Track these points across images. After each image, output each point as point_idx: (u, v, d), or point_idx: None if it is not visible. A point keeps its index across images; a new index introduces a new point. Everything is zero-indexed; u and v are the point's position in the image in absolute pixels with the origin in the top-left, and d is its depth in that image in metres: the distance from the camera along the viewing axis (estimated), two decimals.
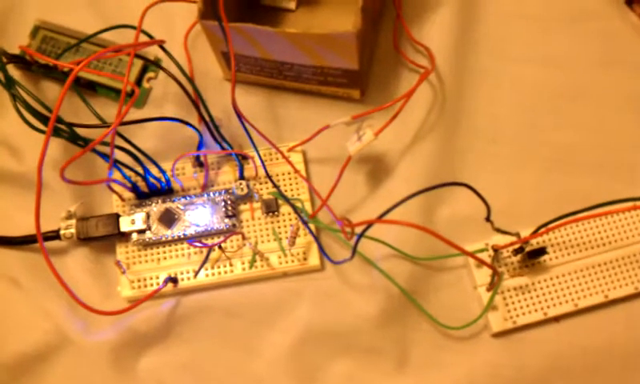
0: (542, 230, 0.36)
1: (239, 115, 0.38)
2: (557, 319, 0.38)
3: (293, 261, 0.39)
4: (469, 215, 0.40)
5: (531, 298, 0.38)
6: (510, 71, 0.44)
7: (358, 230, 0.33)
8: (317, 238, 0.38)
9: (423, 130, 0.42)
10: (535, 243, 0.39)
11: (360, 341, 0.38)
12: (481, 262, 0.34)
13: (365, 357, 0.38)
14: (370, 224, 0.32)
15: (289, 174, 0.41)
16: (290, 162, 0.39)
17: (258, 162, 0.40)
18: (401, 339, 0.38)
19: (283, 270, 0.39)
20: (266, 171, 0.40)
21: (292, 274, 0.39)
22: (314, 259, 0.39)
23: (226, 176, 0.41)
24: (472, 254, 0.33)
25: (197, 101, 0.38)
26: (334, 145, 0.41)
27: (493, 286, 0.37)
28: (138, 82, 0.44)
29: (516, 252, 0.38)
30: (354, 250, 0.34)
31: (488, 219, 0.34)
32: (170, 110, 0.43)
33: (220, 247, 0.38)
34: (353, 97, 0.43)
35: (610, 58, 0.44)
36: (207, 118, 0.38)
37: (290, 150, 0.41)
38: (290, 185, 0.41)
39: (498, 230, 0.36)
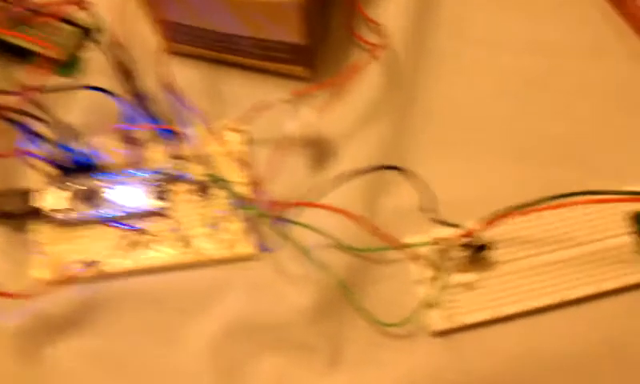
0: (488, 221, 0.33)
1: (169, 89, 0.35)
2: (505, 320, 0.36)
3: (224, 248, 0.36)
4: (417, 205, 0.37)
5: (478, 296, 0.35)
6: (471, 54, 0.41)
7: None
8: (248, 224, 0.36)
9: (374, 112, 0.39)
10: (485, 238, 0.36)
11: (291, 335, 0.35)
12: (414, 257, 0.31)
13: (296, 352, 0.35)
14: (292, 206, 0.30)
15: (229, 154, 0.38)
16: (220, 141, 0.36)
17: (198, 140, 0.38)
18: (335, 335, 0.36)
19: (213, 257, 0.36)
20: (200, 151, 0.37)
21: (223, 261, 0.37)
22: (247, 247, 0.36)
23: (159, 154, 0.38)
24: (402, 246, 0.30)
25: (124, 72, 0.35)
26: (280, 126, 0.38)
27: (433, 281, 0.35)
28: (75, 50, 0.41)
29: (462, 246, 0.35)
30: (281, 236, 0.32)
31: (426, 210, 0.32)
32: (107, 82, 0.40)
33: (143, 230, 0.36)
34: (301, 75, 0.40)
35: (580, 44, 0.41)
36: (136, 91, 0.36)
37: (230, 129, 0.39)
38: (228, 166, 0.38)
39: (437, 222, 0.33)
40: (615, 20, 0.42)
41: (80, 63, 0.41)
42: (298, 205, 0.30)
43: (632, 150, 0.39)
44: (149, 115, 0.37)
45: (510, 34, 0.41)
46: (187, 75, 0.41)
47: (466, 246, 0.35)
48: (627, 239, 0.36)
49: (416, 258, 0.36)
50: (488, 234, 0.36)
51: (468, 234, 0.34)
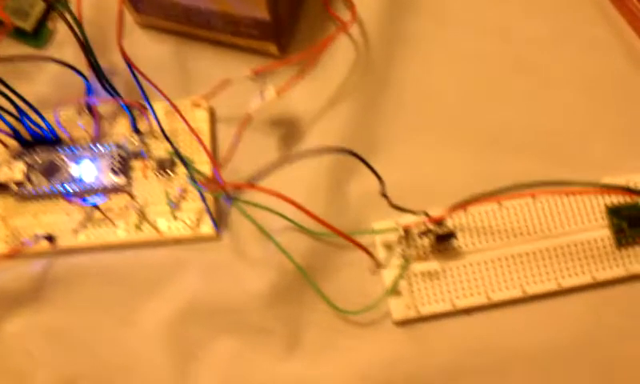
0: (452, 208, 0.32)
1: (128, 62, 0.34)
2: (468, 312, 0.35)
3: (184, 227, 0.35)
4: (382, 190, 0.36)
5: (440, 286, 0.35)
6: (448, 37, 0.39)
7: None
8: (209, 204, 0.35)
9: (344, 93, 0.38)
10: (450, 226, 0.35)
11: (249, 319, 0.35)
12: (357, 246, 0.30)
13: (253, 336, 0.35)
14: (251, 188, 0.29)
15: (192, 132, 0.37)
16: (184, 118, 0.35)
17: (161, 116, 0.37)
18: (294, 320, 0.35)
19: (173, 236, 0.36)
20: (161, 126, 0.36)
21: (181, 241, 0.36)
22: (206, 227, 0.36)
23: (121, 129, 0.37)
24: (349, 237, 0.29)
25: (86, 45, 0.34)
26: (246, 103, 0.37)
27: (397, 269, 0.34)
28: (42, 21, 0.40)
29: (425, 234, 0.34)
30: (243, 217, 0.31)
31: (384, 195, 0.30)
32: (73, 54, 0.39)
33: (102, 206, 0.35)
34: (270, 52, 0.39)
35: (563, 32, 0.39)
36: (97, 65, 0.35)
37: (195, 106, 0.38)
38: (192, 144, 0.37)
39: (396, 208, 0.32)
40: (598, 6, 0.40)
41: (47, 34, 0.40)
42: (252, 187, 0.29)
43: (607, 143, 0.37)
44: (112, 90, 0.36)
45: (488, 20, 0.39)
46: (157, 50, 0.40)
47: (428, 233, 0.34)
48: (600, 234, 0.35)
49: (381, 244, 0.35)
50: (453, 223, 0.35)
51: (432, 221, 0.33)
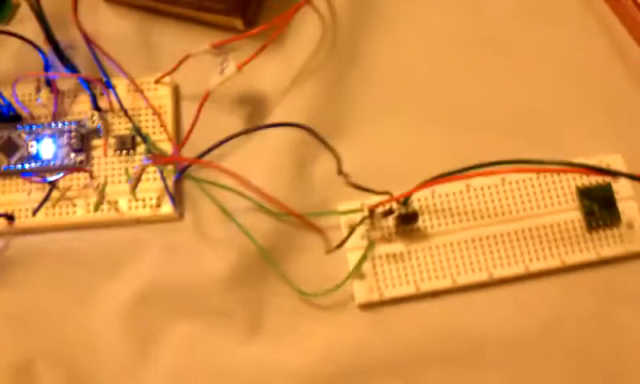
0: (415, 188, 0.31)
1: (85, 37, 0.33)
2: (434, 295, 0.34)
3: (143, 207, 0.35)
4: (353, 171, 0.35)
5: (404, 268, 0.34)
6: (419, 14, 0.38)
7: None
8: (169, 183, 0.34)
9: (311, 70, 0.37)
10: (417, 208, 0.34)
11: (210, 301, 0.34)
12: (311, 226, 0.29)
13: (213, 319, 0.34)
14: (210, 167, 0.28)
15: (152, 109, 0.36)
16: (145, 95, 0.34)
17: (123, 93, 0.36)
18: (256, 303, 0.34)
19: (133, 216, 0.35)
20: (120, 103, 0.35)
21: (141, 221, 0.35)
22: (166, 207, 0.35)
23: (83, 106, 0.36)
24: (303, 218, 0.29)
25: (43, 20, 0.33)
26: (208, 80, 0.36)
27: (361, 250, 0.33)
28: None
29: (386, 215, 0.33)
30: (204, 197, 0.30)
31: (341, 173, 0.30)
32: (35, 29, 0.38)
33: (61, 185, 0.34)
34: (237, 27, 0.38)
35: (543, 11, 0.38)
36: (54, 40, 0.34)
37: (156, 82, 0.37)
38: (155, 122, 0.36)
39: (355, 187, 0.31)
40: None
41: (10, 9, 0.39)
42: (199, 162, 0.28)
43: (580, 124, 0.36)
44: (70, 65, 0.35)
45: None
46: (122, 25, 0.39)
47: (391, 213, 0.33)
48: (570, 216, 0.34)
49: (346, 225, 0.34)
50: (420, 205, 0.34)
51: (395, 200, 0.32)
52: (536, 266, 0.33)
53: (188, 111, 0.37)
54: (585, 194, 0.34)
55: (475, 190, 0.34)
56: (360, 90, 0.37)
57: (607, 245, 0.34)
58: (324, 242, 0.33)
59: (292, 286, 0.34)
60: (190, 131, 0.35)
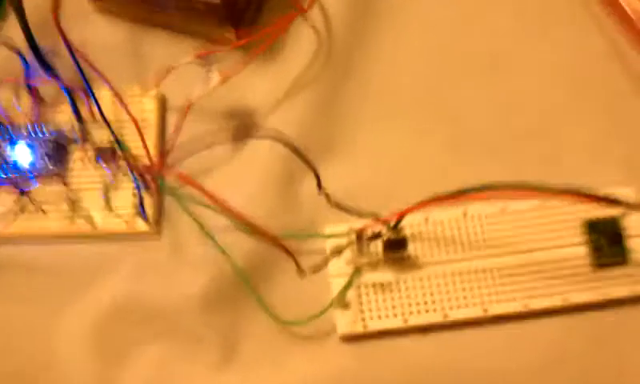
0: (406, 210, 0.29)
1: (66, 43, 0.32)
2: (423, 331, 0.31)
3: (118, 221, 0.33)
4: (346, 189, 0.33)
5: (392, 299, 0.31)
6: (417, 28, 0.36)
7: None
8: (146, 198, 0.32)
9: (302, 84, 0.35)
10: (409, 234, 0.32)
11: (183, 325, 0.32)
12: (283, 250, 0.27)
13: (186, 344, 0.32)
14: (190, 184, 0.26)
15: (141, 122, 0.35)
16: (128, 106, 0.33)
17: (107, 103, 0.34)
18: (232, 328, 0.32)
19: (107, 230, 0.33)
20: (101, 112, 0.33)
21: (115, 236, 0.33)
22: (142, 223, 0.33)
23: (61, 115, 0.35)
24: (275, 239, 0.26)
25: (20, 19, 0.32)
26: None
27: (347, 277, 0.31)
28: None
29: (371, 239, 0.31)
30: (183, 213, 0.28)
31: (322, 192, 0.27)
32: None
33: (34, 195, 0.33)
34: (230, 39, 0.36)
35: (548, 24, 0.36)
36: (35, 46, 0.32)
37: (140, 93, 0.35)
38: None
39: (339, 207, 0.29)
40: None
41: (3, 13, 0.39)
42: (192, 184, 0.26)
43: (593, 150, 0.33)
44: (50, 71, 0.33)
45: (463, 11, 0.36)
46: (110, 35, 0.37)
47: (376, 237, 0.30)
48: (577, 251, 0.31)
49: (332, 250, 0.32)
50: (412, 231, 0.32)
51: (381, 224, 0.30)
52: (536, 305, 0.31)
53: (168, 122, 0.35)
54: (593, 227, 0.31)
55: (473, 217, 0.32)
56: (354, 104, 0.35)
57: (615, 284, 0.31)
58: (295, 266, 0.30)
59: (269, 312, 0.31)
60: (172, 144, 0.33)
